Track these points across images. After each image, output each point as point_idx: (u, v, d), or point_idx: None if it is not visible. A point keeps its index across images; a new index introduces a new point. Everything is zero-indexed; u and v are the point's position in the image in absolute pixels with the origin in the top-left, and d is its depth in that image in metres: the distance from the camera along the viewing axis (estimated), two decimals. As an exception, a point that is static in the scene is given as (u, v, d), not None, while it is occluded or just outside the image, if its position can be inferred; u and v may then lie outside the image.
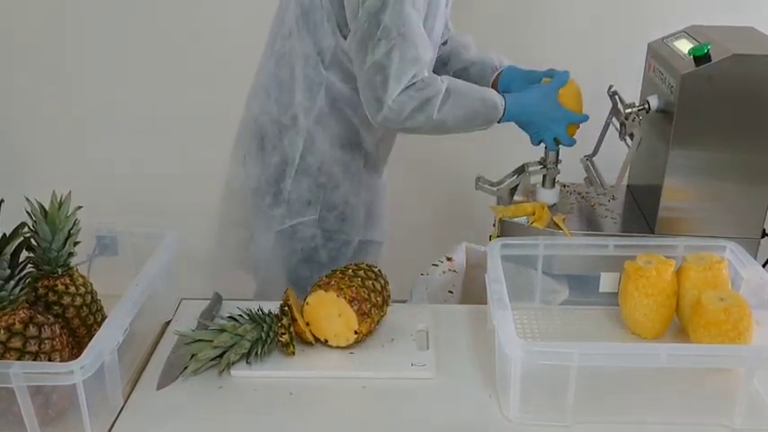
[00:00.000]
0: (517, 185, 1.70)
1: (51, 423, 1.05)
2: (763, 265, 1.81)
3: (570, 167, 1.74)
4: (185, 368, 1.20)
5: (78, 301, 1.18)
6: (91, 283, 1.24)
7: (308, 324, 1.26)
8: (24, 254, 1.11)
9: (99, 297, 1.24)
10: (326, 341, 1.26)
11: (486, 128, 1.53)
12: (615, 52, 2.24)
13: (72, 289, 1.18)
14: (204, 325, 1.29)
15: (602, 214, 1.74)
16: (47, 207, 1.17)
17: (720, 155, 1.55)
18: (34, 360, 1.04)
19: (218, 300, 1.41)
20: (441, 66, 1.71)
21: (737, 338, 1.18)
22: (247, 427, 1.12)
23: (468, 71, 1.71)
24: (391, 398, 1.17)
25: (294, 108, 1.56)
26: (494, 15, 2.40)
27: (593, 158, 1.74)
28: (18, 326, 1.04)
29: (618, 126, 1.68)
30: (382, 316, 1.31)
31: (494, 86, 1.64)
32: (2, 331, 1.03)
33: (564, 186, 1.83)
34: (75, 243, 1.20)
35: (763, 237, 1.63)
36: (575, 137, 1.60)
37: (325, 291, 1.24)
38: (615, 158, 1.66)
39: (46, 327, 1.07)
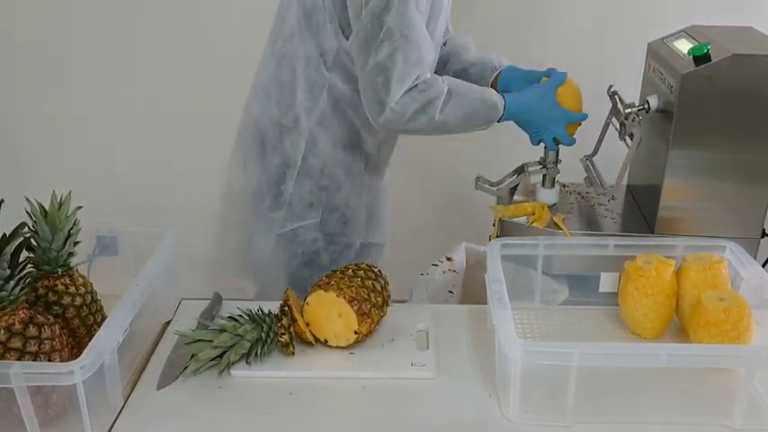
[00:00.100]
0: (517, 185, 1.70)
1: (51, 423, 1.05)
2: (763, 265, 1.81)
3: (570, 167, 1.74)
4: (185, 368, 1.20)
5: (78, 301, 1.18)
6: (91, 283, 1.24)
7: (307, 324, 1.26)
8: (24, 254, 1.11)
9: (99, 297, 1.24)
10: (326, 341, 1.26)
11: (486, 128, 1.53)
12: (615, 52, 2.24)
13: (72, 289, 1.18)
14: (204, 325, 1.29)
15: (601, 214, 1.74)
16: (47, 207, 1.17)
17: (720, 155, 1.55)
18: (34, 360, 1.04)
19: (218, 300, 1.41)
20: (440, 67, 1.71)
21: (737, 338, 1.18)
22: (247, 427, 1.12)
23: (468, 72, 1.71)
24: (391, 398, 1.17)
25: (295, 109, 1.55)
26: (495, 16, 2.40)
27: (593, 158, 1.74)
28: (18, 326, 1.04)
29: (618, 126, 1.68)
30: (382, 316, 1.31)
31: (493, 87, 1.64)
32: (2, 331, 1.03)
33: (564, 186, 1.83)
34: (76, 243, 1.20)
35: (762, 237, 1.63)
36: (574, 136, 1.59)
37: (325, 291, 1.24)
38: (615, 158, 1.66)
39: (46, 327, 1.07)
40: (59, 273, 1.18)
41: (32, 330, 1.05)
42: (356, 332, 1.23)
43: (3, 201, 1.10)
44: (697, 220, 1.61)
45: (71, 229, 1.18)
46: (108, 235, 1.38)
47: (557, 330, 1.36)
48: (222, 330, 1.19)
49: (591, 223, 1.70)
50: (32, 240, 1.16)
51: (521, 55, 1.76)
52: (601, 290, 1.46)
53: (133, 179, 2.61)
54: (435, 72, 1.56)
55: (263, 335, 1.21)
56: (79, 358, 1.00)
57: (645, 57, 1.79)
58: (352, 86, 1.51)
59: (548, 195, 1.70)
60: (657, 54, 1.70)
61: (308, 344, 1.27)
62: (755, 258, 1.59)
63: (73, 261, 1.21)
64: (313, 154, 1.57)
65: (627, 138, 1.64)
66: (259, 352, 1.20)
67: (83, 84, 2.54)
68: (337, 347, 1.26)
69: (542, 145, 1.63)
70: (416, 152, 2.05)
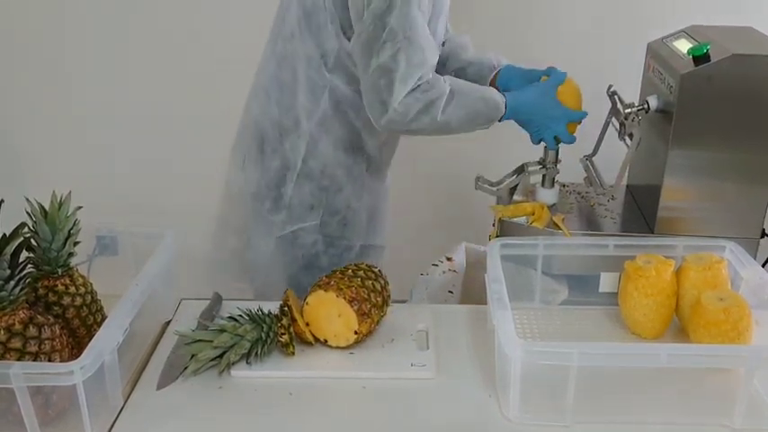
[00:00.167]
0: (517, 185, 1.70)
1: (51, 423, 1.05)
2: (763, 265, 1.81)
3: (570, 167, 1.74)
4: (185, 368, 1.20)
5: (78, 301, 1.18)
6: (91, 284, 1.24)
7: (307, 324, 1.26)
8: (24, 254, 1.11)
9: (99, 297, 1.24)
10: (326, 341, 1.26)
11: (488, 127, 1.53)
12: (615, 52, 2.24)
13: (72, 289, 1.18)
14: (204, 325, 1.29)
15: (601, 214, 1.74)
16: (47, 207, 1.17)
17: (720, 155, 1.55)
18: (34, 360, 1.04)
19: (218, 300, 1.41)
20: (439, 67, 1.71)
21: (737, 338, 1.18)
22: (247, 427, 1.12)
23: (466, 71, 1.71)
24: (391, 398, 1.17)
25: (296, 111, 1.54)
26: (494, 16, 2.40)
27: (593, 158, 1.74)
28: (18, 326, 1.04)
29: (617, 126, 1.68)
30: (382, 316, 1.31)
31: (492, 86, 1.64)
32: (2, 332, 1.03)
33: (563, 186, 1.83)
34: (76, 243, 1.20)
35: (762, 237, 1.63)
36: (575, 134, 1.60)
37: (325, 291, 1.24)
38: (615, 158, 1.66)
39: (46, 327, 1.07)
40: (59, 273, 1.18)
41: (32, 330, 1.05)
42: (356, 332, 1.23)
43: (3, 201, 1.10)
44: (697, 220, 1.61)
45: (71, 229, 1.18)
46: (108, 235, 1.38)
47: (556, 330, 1.36)
48: (222, 330, 1.19)
49: (591, 223, 1.70)
50: (32, 240, 1.16)
51: (520, 55, 1.76)
52: (601, 290, 1.47)
53: (133, 179, 2.61)
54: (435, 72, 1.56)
55: (263, 335, 1.21)
56: (79, 358, 1.00)
57: (644, 57, 1.79)
58: (353, 88, 1.50)
59: (547, 195, 1.70)
60: (657, 54, 1.70)
61: (308, 344, 1.27)
62: (755, 258, 1.59)
63: (73, 261, 1.21)
64: (313, 156, 1.56)
65: (626, 138, 1.64)
66: (259, 352, 1.20)
67: (83, 84, 2.54)
68: (337, 347, 1.26)
69: (542, 145, 1.63)
70: (416, 153, 2.05)
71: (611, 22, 2.39)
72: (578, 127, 1.60)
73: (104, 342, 1.06)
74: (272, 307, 1.28)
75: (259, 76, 1.61)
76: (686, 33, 1.70)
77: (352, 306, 1.22)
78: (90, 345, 1.03)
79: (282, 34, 1.53)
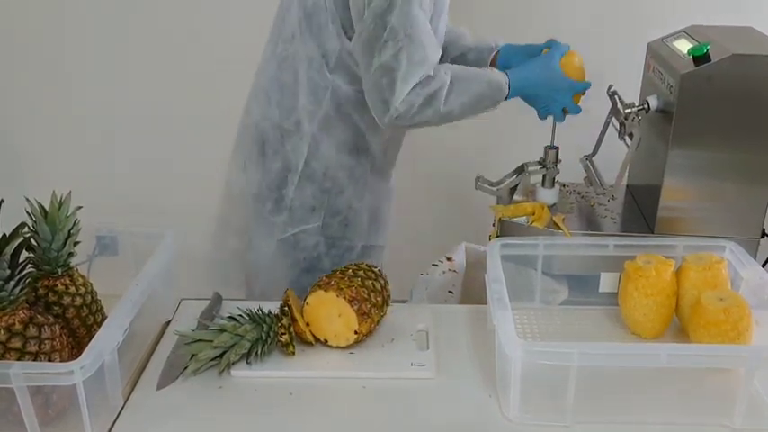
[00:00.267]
0: (517, 185, 1.70)
1: (51, 423, 1.05)
2: (763, 265, 1.81)
3: (570, 167, 1.74)
4: (185, 368, 1.20)
5: (78, 301, 1.18)
6: (91, 284, 1.23)
7: (307, 324, 1.26)
8: (24, 254, 1.11)
9: (99, 297, 1.24)
10: (326, 341, 1.26)
11: (494, 108, 1.51)
12: (615, 52, 2.24)
13: (72, 289, 1.18)
14: (204, 325, 1.29)
15: (601, 214, 1.74)
16: (47, 207, 1.17)
17: (720, 155, 1.55)
18: (34, 360, 1.04)
19: (218, 300, 1.41)
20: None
21: (737, 338, 1.18)
22: (247, 427, 1.12)
23: (466, 57, 1.69)
24: (391, 398, 1.17)
25: (298, 113, 1.53)
26: (494, 15, 2.40)
27: (593, 158, 1.74)
28: (18, 326, 1.04)
29: (617, 126, 1.68)
30: (382, 316, 1.31)
31: (493, 67, 1.61)
32: (2, 331, 1.03)
33: (563, 186, 1.83)
34: (75, 243, 1.20)
35: (762, 237, 1.63)
36: (580, 105, 1.57)
37: (325, 291, 1.24)
38: (615, 158, 1.66)
39: (46, 327, 1.07)
40: (59, 273, 1.18)
41: (32, 330, 1.05)
42: (356, 332, 1.23)
43: (3, 201, 1.10)
44: (697, 220, 1.61)
45: (71, 229, 1.18)
46: (108, 235, 1.38)
47: (557, 330, 1.36)
48: (222, 330, 1.19)
49: (591, 223, 1.70)
50: (32, 240, 1.16)
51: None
52: (601, 290, 1.47)
53: (133, 179, 2.61)
54: None
55: (263, 335, 1.21)
56: (79, 358, 1.00)
57: (644, 57, 1.80)
58: (355, 88, 1.49)
59: (548, 195, 1.70)
60: (657, 54, 1.70)
61: (308, 344, 1.27)
62: (755, 258, 1.59)
63: (73, 261, 1.21)
64: (315, 158, 1.55)
65: (626, 138, 1.64)
66: (259, 352, 1.20)
67: (83, 84, 2.54)
68: (337, 347, 1.26)
69: (542, 145, 1.63)
70: (417, 153, 2.05)
71: (611, 21, 2.39)
72: (583, 96, 1.58)
73: (104, 342, 1.06)
74: (272, 307, 1.28)
75: (259, 78, 1.60)
76: (686, 33, 1.70)
77: (352, 306, 1.22)
78: (90, 345, 1.03)
79: (283, 36, 1.52)
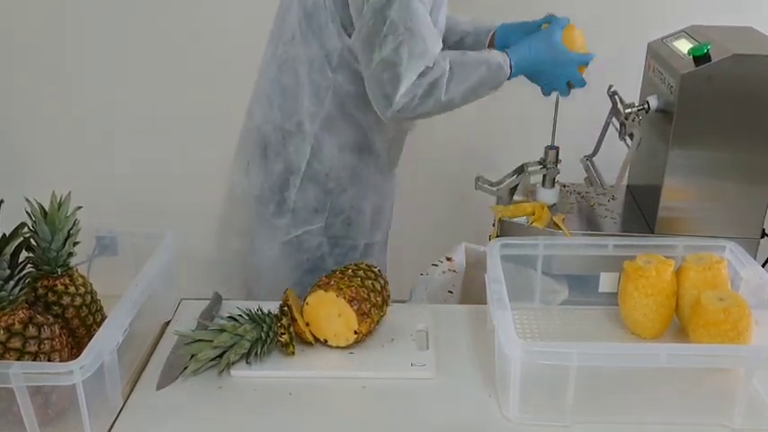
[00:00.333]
0: (517, 185, 1.70)
1: (51, 423, 1.05)
2: (763, 265, 1.81)
3: (570, 167, 1.74)
4: (185, 368, 1.19)
5: (78, 301, 1.18)
6: (91, 284, 1.23)
7: (307, 324, 1.26)
8: (24, 254, 1.11)
9: (99, 297, 1.24)
10: (326, 341, 1.26)
11: (497, 90, 1.48)
12: (615, 52, 2.24)
13: (72, 289, 1.18)
14: (204, 325, 1.29)
15: (601, 214, 1.74)
16: (47, 207, 1.16)
17: (720, 155, 1.55)
18: (34, 360, 1.04)
19: (217, 300, 1.41)
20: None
21: (737, 338, 1.18)
22: (247, 427, 1.12)
23: (464, 41, 1.68)
24: (391, 398, 1.17)
25: (299, 114, 1.52)
26: (493, 14, 2.39)
27: (593, 158, 1.74)
28: (17, 326, 1.04)
29: (618, 126, 1.68)
30: (382, 316, 1.31)
31: (491, 47, 1.60)
32: (1, 331, 1.03)
33: (564, 186, 1.83)
34: (75, 243, 1.20)
35: (762, 237, 1.63)
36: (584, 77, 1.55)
37: (325, 291, 1.24)
38: (615, 158, 1.66)
39: (45, 327, 1.06)
40: (59, 273, 1.18)
41: (32, 330, 1.05)
42: (356, 332, 1.23)
43: (3, 201, 1.10)
44: (697, 220, 1.61)
45: (71, 229, 1.18)
46: (108, 235, 1.38)
47: (556, 330, 1.36)
48: (222, 330, 1.19)
49: (591, 223, 1.70)
50: (32, 240, 1.16)
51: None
52: (600, 290, 1.46)
53: (133, 179, 2.61)
54: None
55: (262, 335, 1.21)
56: (79, 358, 0.99)
57: (645, 57, 1.80)
58: (358, 86, 1.48)
59: (548, 195, 1.70)
60: (657, 54, 1.70)
61: (308, 344, 1.27)
62: (755, 258, 1.59)
63: (73, 261, 1.21)
64: (318, 159, 1.55)
65: (627, 138, 1.64)
66: (259, 352, 1.20)
67: (83, 84, 2.54)
68: (337, 347, 1.26)
69: (543, 145, 1.63)
70: (417, 153, 2.05)
71: (611, 21, 2.39)
72: (586, 69, 1.56)
73: (104, 342, 1.06)
74: (272, 307, 1.28)
75: (260, 81, 1.60)
76: (686, 33, 1.70)
77: (351, 306, 1.22)
78: (90, 345, 1.03)
79: (283, 38, 1.52)
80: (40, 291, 1.16)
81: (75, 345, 1.15)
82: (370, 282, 1.27)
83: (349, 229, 1.63)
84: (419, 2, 1.37)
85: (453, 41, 1.69)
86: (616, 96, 1.67)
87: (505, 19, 1.69)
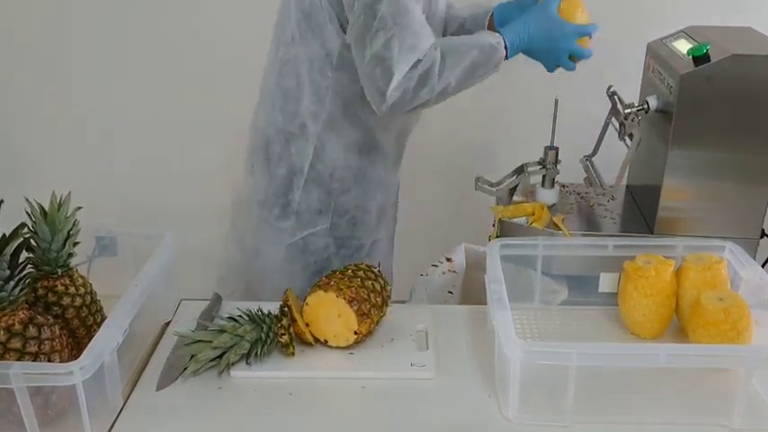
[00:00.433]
0: (516, 186, 1.71)
1: (51, 423, 1.05)
2: (763, 265, 1.81)
3: (570, 167, 1.74)
4: (185, 369, 1.19)
5: (78, 301, 1.18)
6: (90, 284, 1.24)
7: (307, 324, 1.26)
8: (24, 254, 1.11)
9: (99, 297, 1.24)
10: (326, 341, 1.26)
11: (496, 71, 1.45)
12: (615, 52, 2.24)
13: (72, 289, 1.18)
14: (204, 326, 1.29)
15: (601, 214, 1.74)
16: (46, 207, 1.17)
17: (720, 155, 1.55)
18: (34, 361, 1.04)
19: (217, 300, 1.41)
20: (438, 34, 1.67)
21: (736, 338, 1.18)
22: (247, 427, 1.12)
23: (464, 27, 1.66)
24: (391, 398, 1.17)
25: (301, 115, 1.52)
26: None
27: (593, 159, 1.74)
28: (18, 326, 1.04)
29: (617, 126, 1.68)
30: (382, 316, 1.31)
31: (491, 30, 1.54)
32: (1, 332, 1.03)
33: (563, 186, 1.83)
34: (75, 244, 1.20)
35: (762, 237, 1.63)
36: (591, 48, 1.51)
37: (325, 291, 1.24)
38: (614, 158, 1.67)
39: (45, 327, 1.07)
40: (59, 273, 1.18)
41: (32, 331, 1.05)
42: (356, 332, 1.23)
43: (3, 201, 1.10)
44: (696, 221, 1.61)
45: (71, 229, 1.18)
46: (107, 236, 1.38)
47: (556, 330, 1.36)
48: (222, 331, 1.19)
49: (590, 223, 1.70)
50: (32, 241, 1.16)
51: (518, 55, 1.76)
52: (600, 290, 1.46)
53: (133, 179, 2.61)
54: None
55: (262, 335, 1.21)
56: (79, 359, 1.00)
57: (644, 57, 1.80)
58: (360, 85, 1.46)
59: (547, 196, 1.71)
60: (657, 54, 1.70)
61: (308, 344, 1.27)
62: (755, 258, 1.59)
63: (72, 261, 1.21)
64: (321, 160, 1.54)
65: (626, 138, 1.64)
66: (259, 352, 1.20)
67: (83, 84, 2.54)
68: (337, 348, 1.26)
69: (542, 145, 1.63)
70: (416, 153, 2.05)
71: (610, 21, 2.38)
72: (590, 40, 1.51)
73: (104, 342, 1.06)
74: (272, 307, 1.28)
75: (264, 84, 1.59)
76: (686, 33, 1.70)
77: (351, 306, 1.22)
78: (90, 345, 1.03)
79: (283, 40, 1.52)
80: (40, 291, 1.16)
81: (75, 345, 1.15)
82: (369, 282, 1.27)
83: (354, 228, 1.62)
84: None
85: (454, 28, 1.68)
86: (615, 96, 1.67)
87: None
